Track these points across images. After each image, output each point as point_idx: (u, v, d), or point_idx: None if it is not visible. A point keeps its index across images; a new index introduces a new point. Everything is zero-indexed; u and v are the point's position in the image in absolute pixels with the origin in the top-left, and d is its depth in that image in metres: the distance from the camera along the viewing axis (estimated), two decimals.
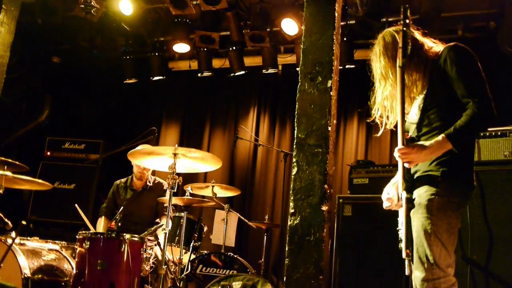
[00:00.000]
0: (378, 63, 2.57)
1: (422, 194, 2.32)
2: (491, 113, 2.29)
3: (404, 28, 2.35)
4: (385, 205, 2.55)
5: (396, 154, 2.34)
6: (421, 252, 2.25)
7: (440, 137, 2.28)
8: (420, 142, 2.34)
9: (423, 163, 2.37)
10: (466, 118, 2.27)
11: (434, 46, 2.54)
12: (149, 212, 4.96)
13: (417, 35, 2.57)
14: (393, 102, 2.55)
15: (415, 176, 2.41)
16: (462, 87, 2.33)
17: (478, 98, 2.29)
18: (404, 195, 2.30)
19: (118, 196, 5.02)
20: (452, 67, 2.36)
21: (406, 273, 2.22)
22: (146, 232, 3.81)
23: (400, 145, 2.33)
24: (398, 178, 2.41)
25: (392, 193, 2.52)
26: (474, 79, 2.34)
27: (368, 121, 2.72)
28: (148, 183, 5.03)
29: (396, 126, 2.55)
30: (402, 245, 2.23)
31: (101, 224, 4.86)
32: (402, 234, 2.25)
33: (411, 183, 2.37)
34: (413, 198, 2.34)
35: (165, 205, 4.89)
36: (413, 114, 2.52)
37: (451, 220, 2.28)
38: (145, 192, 5.00)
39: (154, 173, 5.24)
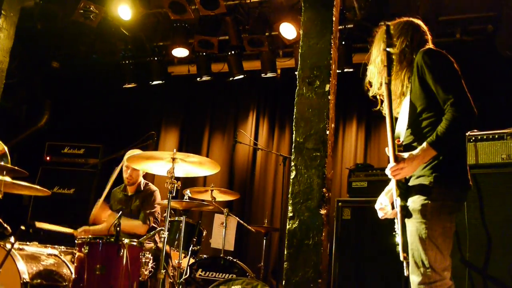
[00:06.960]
0: (376, 50, 2.60)
1: (415, 199, 2.31)
2: (470, 114, 2.26)
3: (388, 49, 2.38)
4: (380, 215, 2.58)
5: (388, 172, 2.32)
6: (417, 257, 2.25)
7: (424, 145, 2.27)
8: (408, 154, 2.29)
9: None
10: (446, 123, 2.25)
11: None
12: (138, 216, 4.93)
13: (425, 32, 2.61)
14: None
15: (410, 181, 2.39)
16: (439, 91, 2.32)
17: (456, 101, 2.26)
18: (398, 201, 2.31)
19: (114, 201, 5.02)
20: (428, 72, 2.36)
21: (405, 274, 2.24)
22: (145, 236, 3.81)
23: (392, 162, 2.31)
24: (391, 186, 2.42)
25: (385, 203, 2.54)
26: (450, 81, 2.32)
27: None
28: (140, 186, 4.99)
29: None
30: (399, 248, 2.24)
31: (98, 204, 4.60)
32: (398, 238, 2.26)
33: (405, 189, 2.36)
34: (407, 205, 2.33)
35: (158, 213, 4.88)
36: (402, 118, 2.52)
37: (445, 224, 2.28)
38: (134, 197, 4.94)
39: (145, 176, 5.20)
